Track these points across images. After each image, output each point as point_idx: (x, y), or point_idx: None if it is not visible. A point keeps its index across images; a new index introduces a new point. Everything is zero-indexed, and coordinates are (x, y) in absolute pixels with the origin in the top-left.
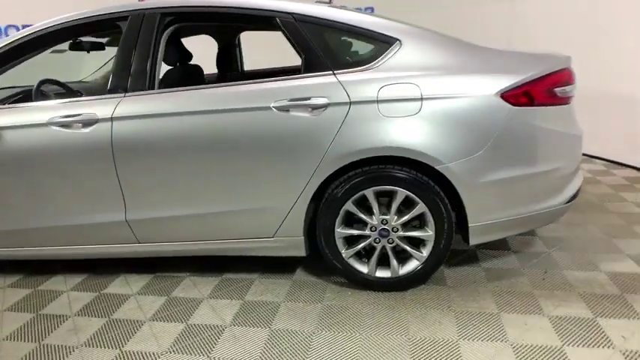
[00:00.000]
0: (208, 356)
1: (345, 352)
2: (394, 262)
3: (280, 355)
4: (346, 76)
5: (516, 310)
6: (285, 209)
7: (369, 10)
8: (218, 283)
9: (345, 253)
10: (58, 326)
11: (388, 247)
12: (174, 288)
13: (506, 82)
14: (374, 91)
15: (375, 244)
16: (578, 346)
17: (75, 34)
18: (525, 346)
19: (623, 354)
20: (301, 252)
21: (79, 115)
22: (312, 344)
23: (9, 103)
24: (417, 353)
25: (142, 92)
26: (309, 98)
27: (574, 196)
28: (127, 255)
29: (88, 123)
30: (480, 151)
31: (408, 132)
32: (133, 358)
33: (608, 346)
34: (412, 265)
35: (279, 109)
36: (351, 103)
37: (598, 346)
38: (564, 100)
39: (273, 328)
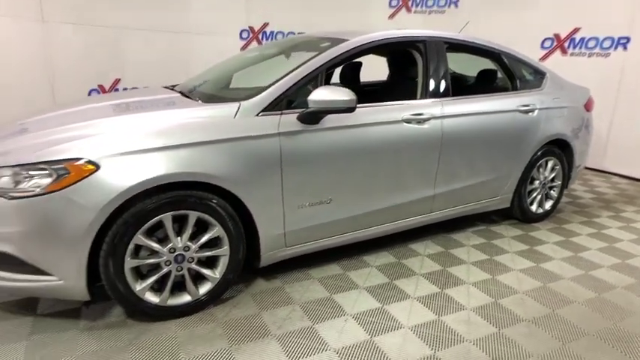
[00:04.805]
0: None
1: None
2: (539, 204)
3: None
4: (536, 92)
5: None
6: (511, 175)
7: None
8: None
9: (528, 201)
10: None
11: (541, 194)
12: None
13: (584, 98)
14: (551, 101)
15: (535, 194)
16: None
17: (383, 49)
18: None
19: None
20: (507, 204)
21: (421, 114)
22: None
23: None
24: None
25: (456, 97)
26: (528, 105)
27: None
28: (419, 224)
29: (425, 120)
30: (579, 135)
31: (563, 125)
32: None
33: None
34: (548, 205)
35: (519, 111)
36: (546, 108)
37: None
38: (592, 109)
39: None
